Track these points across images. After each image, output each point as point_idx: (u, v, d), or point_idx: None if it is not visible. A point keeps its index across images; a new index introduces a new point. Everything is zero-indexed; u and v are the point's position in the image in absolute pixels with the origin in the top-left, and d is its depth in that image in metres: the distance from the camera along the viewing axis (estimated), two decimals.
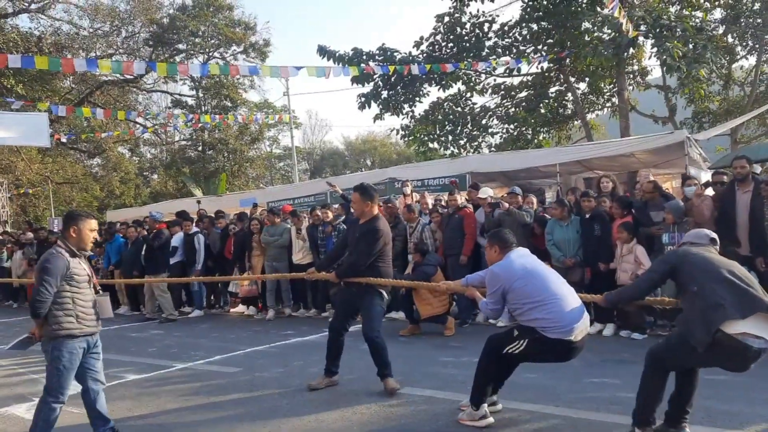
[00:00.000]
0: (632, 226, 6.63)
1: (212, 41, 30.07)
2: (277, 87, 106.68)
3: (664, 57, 12.26)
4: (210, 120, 21.37)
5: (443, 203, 9.00)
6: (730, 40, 16.51)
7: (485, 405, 4.05)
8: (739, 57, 17.65)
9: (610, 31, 14.16)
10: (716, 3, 16.05)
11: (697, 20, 13.90)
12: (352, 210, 5.97)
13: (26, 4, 24.33)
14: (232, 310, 10.61)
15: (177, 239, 10.57)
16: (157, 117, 20.08)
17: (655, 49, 13.01)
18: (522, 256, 4.09)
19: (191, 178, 28.47)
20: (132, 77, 29.29)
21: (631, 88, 19.10)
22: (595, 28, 16.79)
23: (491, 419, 4.05)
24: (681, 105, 18.61)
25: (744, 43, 17.02)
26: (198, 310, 10.58)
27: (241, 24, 30.11)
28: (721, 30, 17.75)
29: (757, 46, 17.57)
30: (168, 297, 10.13)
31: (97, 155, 30.33)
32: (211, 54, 30.34)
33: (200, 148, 31.82)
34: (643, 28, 12.94)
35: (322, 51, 18.42)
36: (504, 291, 3.92)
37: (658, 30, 12.46)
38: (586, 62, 17.71)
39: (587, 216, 7.02)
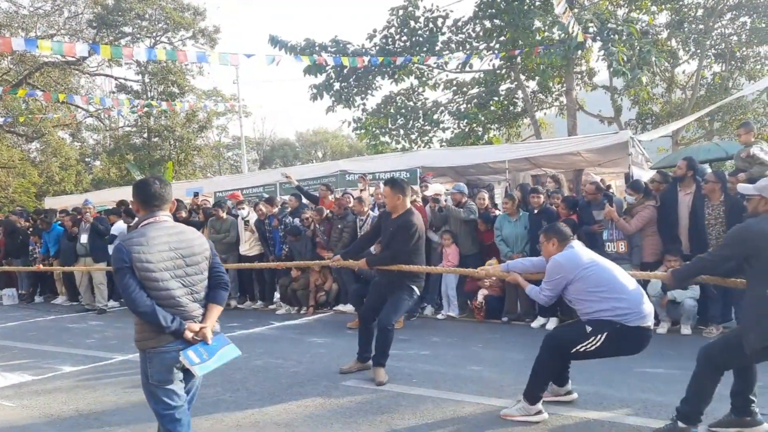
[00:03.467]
0: (574, 224, 6.83)
1: (159, 25, 29.17)
2: (226, 75, 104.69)
3: (611, 60, 12.62)
4: (157, 106, 20.73)
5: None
6: (673, 44, 17.14)
7: (540, 402, 4.02)
8: (681, 61, 18.38)
9: (560, 32, 14.47)
10: (662, 7, 16.64)
11: (643, 24, 14.36)
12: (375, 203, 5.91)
13: None
14: None
15: (117, 229, 10.21)
16: (102, 102, 19.28)
17: (602, 52, 13.39)
18: (584, 248, 4.16)
19: (135, 165, 27.53)
20: (74, 59, 28.11)
21: (578, 87, 19.60)
22: (546, 27, 17.15)
23: (546, 415, 4.02)
24: (626, 106, 19.25)
25: (687, 48, 17.73)
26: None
27: (190, 9, 29.31)
28: (665, 34, 18.41)
29: (698, 51, 18.32)
30: (105, 288, 9.93)
31: (36, 139, 29.02)
32: (158, 39, 29.44)
33: (145, 135, 30.87)
34: (591, 31, 13.28)
35: (274, 41, 18.13)
36: (568, 281, 3.92)
37: (605, 33, 12.81)
38: (536, 61, 18.07)
39: (536, 212, 7.18)
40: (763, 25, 17.73)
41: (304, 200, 9.47)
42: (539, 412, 4.00)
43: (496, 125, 21.23)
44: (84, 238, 10.09)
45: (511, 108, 20.90)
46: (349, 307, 8.39)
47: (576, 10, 13.76)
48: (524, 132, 22.94)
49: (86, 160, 35.72)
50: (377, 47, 18.73)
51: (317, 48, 18.39)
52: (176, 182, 21.90)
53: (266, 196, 11.73)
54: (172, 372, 2.98)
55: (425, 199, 8.39)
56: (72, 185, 31.45)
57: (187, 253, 3.02)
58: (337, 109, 20.20)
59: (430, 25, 18.90)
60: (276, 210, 8.98)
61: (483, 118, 19.46)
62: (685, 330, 6.30)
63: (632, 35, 12.75)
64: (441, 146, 20.91)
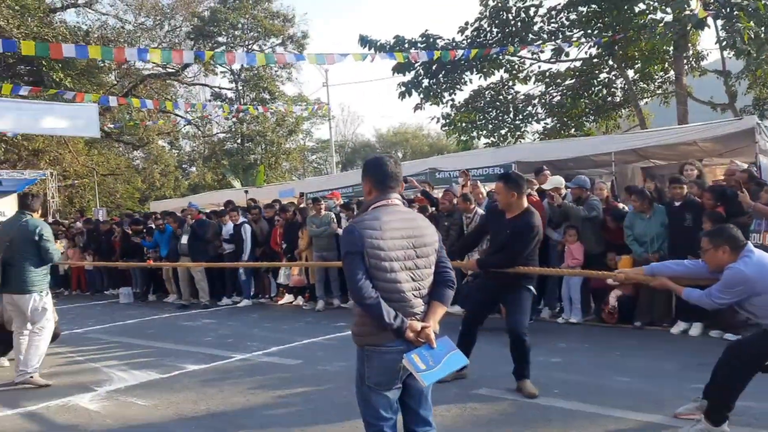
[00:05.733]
0: (721, 217, 6.14)
1: (251, 33, 30.08)
2: (312, 81, 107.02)
3: (734, 39, 11.55)
4: (253, 110, 21.29)
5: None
6: None
7: (726, 424, 3.57)
8: None
9: (670, 10, 13.45)
10: None
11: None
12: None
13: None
14: (280, 300, 10.43)
15: (227, 229, 10.49)
16: (204, 108, 20.09)
17: (723, 32, 12.32)
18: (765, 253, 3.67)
19: (230, 169, 28.57)
20: (173, 71, 29.56)
21: (685, 73, 18.26)
22: (650, 10, 16.09)
23: None
24: (741, 91, 17.73)
25: None
26: (246, 299, 10.45)
27: (279, 16, 30.04)
28: None
29: None
30: (206, 284, 10.40)
31: (140, 147, 30.72)
32: (249, 46, 30.34)
33: (239, 141, 31.95)
34: (712, 8, 12.24)
35: (364, 40, 18.08)
36: (751, 293, 3.48)
37: (728, 9, 11.75)
38: (640, 46, 17.00)
39: (677, 204, 6.52)
40: None
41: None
42: None
43: (592, 117, 20.22)
44: (185, 239, 10.48)
45: (609, 98, 19.83)
46: (456, 308, 8.04)
47: None
48: (623, 123, 21.72)
49: (183, 166, 37.48)
50: (468, 40, 18.29)
51: (407, 45, 18.20)
52: (267, 185, 22.47)
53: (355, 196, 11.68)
54: (392, 375, 2.61)
55: (542, 193, 7.90)
56: (171, 190, 33.10)
57: (419, 243, 2.67)
58: (425, 106, 19.94)
59: (522, 15, 18.26)
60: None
61: (581, 107, 18.53)
62: None
63: (759, 10, 11.60)
64: (535, 140, 20.14)
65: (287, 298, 10.25)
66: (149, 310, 10.46)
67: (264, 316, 9.25)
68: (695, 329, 6.30)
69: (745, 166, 7.99)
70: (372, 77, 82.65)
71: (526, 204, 4.57)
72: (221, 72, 29.86)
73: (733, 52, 13.41)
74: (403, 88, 19.14)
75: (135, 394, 5.26)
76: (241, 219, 10.55)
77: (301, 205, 10.14)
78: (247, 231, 10.34)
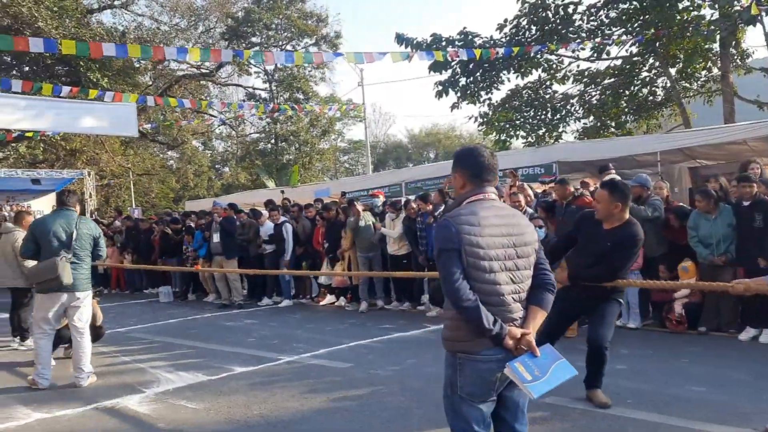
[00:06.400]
0: None
1: (285, 34, 30.17)
2: (345, 81, 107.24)
3: None
4: (289, 108, 21.31)
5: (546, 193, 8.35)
6: None
7: None
8: None
9: (722, 6, 12.97)
10: None
11: None
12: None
13: (110, 0, 25.03)
14: (321, 301, 10.30)
15: (268, 228, 10.44)
16: (239, 108, 20.15)
17: None
18: None
19: (264, 170, 28.67)
20: (207, 71, 29.82)
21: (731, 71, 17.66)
22: (694, 6, 15.58)
23: None
24: None
25: None
26: (287, 299, 10.36)
27: (313, 16, 30.07)
28: None
29: None
30: (239, 283, 10.53)
31: (175, 147, 31.07)
32: (283, 47, 30.44)
33: (273, 141, 32.08)
34: (763, 3, 11.77)
35: (400, 39, 17.92)
36: None
37: None
38: (683, 44, 16.49)
39: (745, 204, 6.18)
40: None
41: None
42: None
43: (632, 116, 19.70)
44: (216, 237, 10.45)
45: (651, 97, 19.30)
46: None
47: None
48: (664, 123, 21.12)
49: (216, 166, 37.83)
50: (507, 38, 17.97)
51: (444, 43, 17.97)
52: (302, 185, 22.45)
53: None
54: (487, 387, 2.40)
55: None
56: (204, 190, 33.43)
57: (520, 242, 2.45)
58: (462, 105, 19.69)
59: (561, 12, 17.87)
60: (430, 207, 8.58)
61: (623, 106, 18.06)
62: None
63: None
64: (575, 140, 19.71)
65: (329, 298, 10.13)
66: (190, 310, 10.43)
67: (306, 317, 9.13)
68: (766, 336, 5.95)
69: None
70: (404, 76, 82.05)
71: (628, 215, 4.24)
72: (255, 72, 29.99)
73: None
74: (440, 87, 18.93)
75: (184, 396, 5.15)
76: (282, 218, 10.48)
77: (344, 205, 9.99)
78: (288, 230, 10.26)
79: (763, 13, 12.31)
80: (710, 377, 4.90)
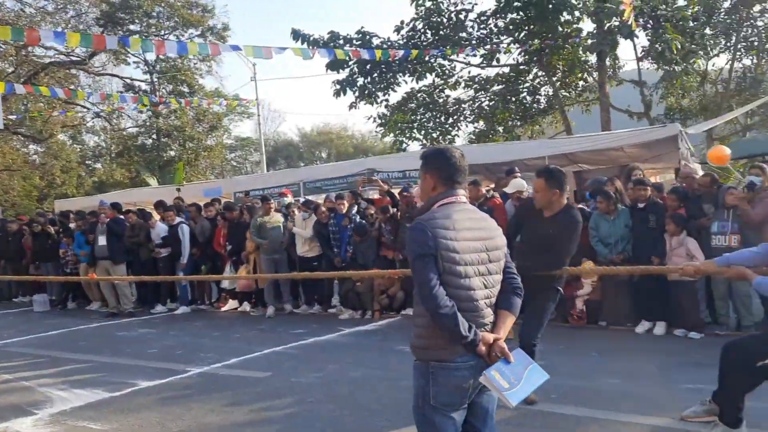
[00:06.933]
0: (683, 218, 6.33)
1: (168, 23, 28.50)
2: (234, 75, 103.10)
3: (661, 49, 12.13)
4: (175, 102, 20.07)
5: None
6: (708, 32, 16.74)
7: (743, 424, 3.54)
8: (713, 55, 18.02)
9: (597, 20, 13.93)
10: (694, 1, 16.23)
11: (690, 11, 13.92)
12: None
13: None
14: (223, 306, 9.80)
15: (161, 230, 9.74)
16: (121, 100, 18.63)
17: (649, 43, 12.92)
18: None
19: (145, 166, 26.91)
20: (79, 59, 27.46)
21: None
22: (575, 20, 16.66)
23: None
24: (654, 101, 18.78)
25: (717, 41, 17.36)
26: (184, 306, 9.75)
27: (198, 6, 28.64)
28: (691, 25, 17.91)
29: (729, 44, 17.94)
30: (128, 289, 9.86)
31: (41, 141, 28.30)
32: (166, 36, 28.73)
33: (154, 136, 30.17)
34: (640, 19, 12.83)
35: (297, 35, 17.60)
36: None
37: (655, 21, 12.35)
38: (563, 55, 17.61)
39: (641, 206, 6.64)
40: None
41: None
42: None
43: (519, 123, 20.78)
44: (102, 240, 9.65)
45: (535, 105, 20.44)
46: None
47: None
48: (547, 130, 22.46)
49: (86, 162, 34.94)
50: (404, 40, 18.21)
51: (342, 41, 17.87)
52: (189, 183, 21.32)
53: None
54: (461, 395, 2.33)
55: (505, 195, 7.86)
56: (74, 188, 30.74)
57: (491, 246, 2.40)
58: (360, 105, 19.71)
59: (454, 18, 18.42)
60: (344, 208, 8.43)
61: (510, 111, 18.98)
62: None
63: (682, 22, 12.28)
64: (468, 143, 20.42)
65: (231, 303, 9.67)
66: (72, 320, 9.51)
67: (209, 325, 8.64)
68: (659, 328, 6.45)
69: (700, 169, 8.31)
70: (296, 74, 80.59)
71: (566, 201, 4.28)
72: (134, 62, 28.04)
73: (657, 62, 14.11)
74: (339, 86, 18.81)
75: (86, 416, 4.65)
76: (178, 219, 9.84)
77: (248, 204, 9.57)
78: (184, 232, 9.66)
79: (640, 28, 13.40)
80: (622, 370, 5.19)
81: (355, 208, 8.65)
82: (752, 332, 5.69)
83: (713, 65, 19.27)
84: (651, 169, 14.10)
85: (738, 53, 18.64)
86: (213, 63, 29.43)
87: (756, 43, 18.27)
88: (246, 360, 6.20)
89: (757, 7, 18.33)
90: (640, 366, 5.29)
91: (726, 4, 18.02)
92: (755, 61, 18.96)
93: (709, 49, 16.28)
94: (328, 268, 8.45)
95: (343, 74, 18.66)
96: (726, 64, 19.30)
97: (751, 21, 18.38)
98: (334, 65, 17.76)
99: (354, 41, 17.70)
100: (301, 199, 10.43)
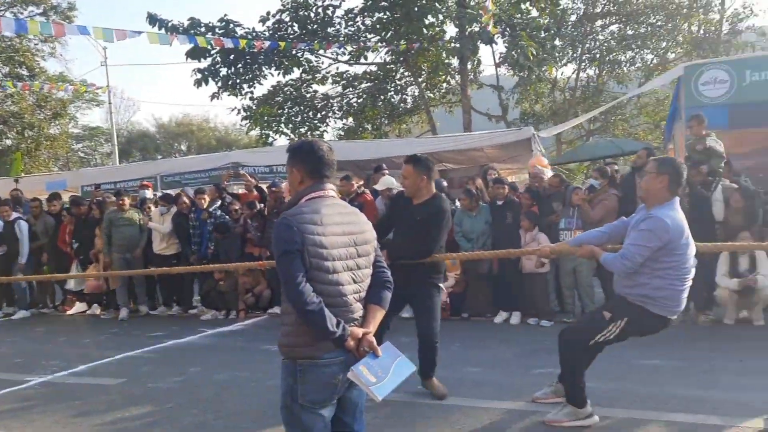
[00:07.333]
0: (535, 216, 6.81)
1: None
2: (82, 59, 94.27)
3: (517, 55, 12.96)
4: (12, 86, 17.99)
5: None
6: (557, 43, 18.25)
7: (588, 404, 3.75)
8: (561, 64, 19.68)
9: (459, 25, 14.55)
10: (545, 13, 17.56)
11: (543, 21, 15.01)
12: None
13: None
14: (69, 310, 8.94)
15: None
16: None
17: (506, 49, 13.74)
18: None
19: None
20: None
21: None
22: (438, 23, 17.30)
23: (596, 418, 3.75)
24: (510, 105, 20.09)
25: (565, 52, 18.99)
26: (23, 310, 8.77)
27: None
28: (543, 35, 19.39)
29: (575, 55, 19.70)
30: None
31: None
32: (2, 13, 25.69)
33: None
34: (498, 27, 13.59)
35: (153, 19, 16.52)
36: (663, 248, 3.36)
37: (512, 29, 13.16)
38: (428, 56, 18.21)
39: (499, 203, 7.01)
40: (631, 32, 19.45)
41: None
42: (590, 415, 3.75)
43: (387, 121, 21.21)
44: None
45: (402, 104, 20.97)
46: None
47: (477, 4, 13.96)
48: (414, 129, 23.14)
49: None
50: (270, 31, 17.78)
51: (203, 29, 17.06)
52: (28, 175, 19.27)
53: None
54: (330, 391, 2.30)
55: (375, 192, 7.93)
56: None
57: (360, 240, 2.38)
58: (222, 96, 18.98)
59: (321, 13, 18.33)
60: (205, 203, 8.02)
61: (379, 109, 19.30)
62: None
63: (536, 31, 13.21)
64: (338, 139, 20.47)
65: (78, 306, 8.84)
66: None
67: (53, 330, 7.85)
68: (515, 318, 6.88)
69: (549, 170, 8.95)
70: (152, 60, 75.80)
71: (434, 189, 4.34)
72: None
73: (513, 69, 15.06)
74: (200, 75, 17.97)
75: None
76: (15, 214, 8.83)
77: (99, 198, 8.81)
78: (23, 229, 8.69)
79: (498, 35, 14.21)
80: (482, 359, 5.47)
81: (219, 203, 8.28)
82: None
83: (562, 74, 21.03)
84: (508, 169, 15.05)
85: (583, 64, 20.54)
86: (57, 44, 26.81)
87: (598, 56, 20.30)
88: (96, 366, 5.70)
89: (599, 22, 20.33)
90: (499, 354, 5.60)
91: (573, 18, 19.79)
92: (597, 72, 20.99)
93: (558, 58, 17.70)
94: (187, 266, 8.01)
95: (204, 63, 17.92)
96: (573, 73, 21.15)
97: (594, 35, 20.38)
98: (195, 53, 16.94)
99: (216, 29, 16.98)
100: (159, 194, 9.83)
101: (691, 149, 6.78)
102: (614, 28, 20.34)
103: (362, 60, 19.18)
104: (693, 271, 3.53)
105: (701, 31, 19.91)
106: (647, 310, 3.49)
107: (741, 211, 6.16)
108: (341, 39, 18.36)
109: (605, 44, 20.01)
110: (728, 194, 6.26)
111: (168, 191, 10.14)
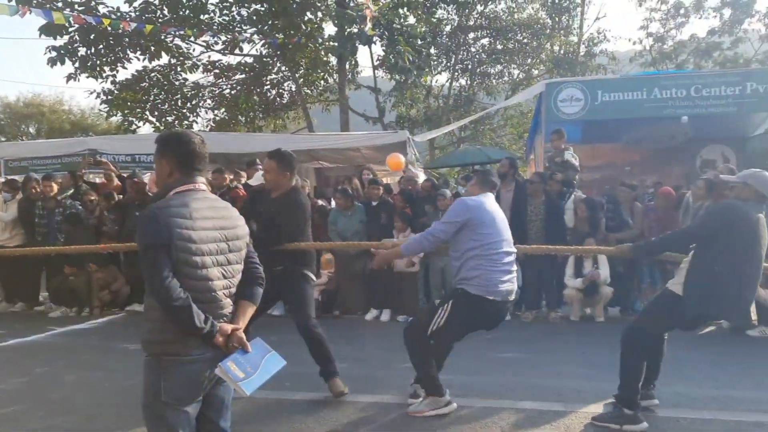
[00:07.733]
0: (408, 217, 7.02)
1: None
2: None
3: (394, 59, 13.24)
4: None
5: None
6: (433, 51, 18.96)
7: (447, 392, 3.98)
8: (436, 72, 20.48)
9: (337, 24, 14.61)
10: (422, 23, 18.14)
11: (420, 29, 15.46)
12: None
13: None
14: None
15: None
16: None
17: (383, 52, 13.99)
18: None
19: None
20: None
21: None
22: (317, 20, 17.27)
23: (455, 405, 3.96)
24: (387, 108, 20.50)
25: (440, 61, 19.81)
26: None
27: None
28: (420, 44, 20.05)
29: (448, 64, 20.59)
30: None
31: None
32: None
33: None
34: (377, 30, 13.81)
35: None
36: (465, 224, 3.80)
37: (393, 34, 13.43)
38: (306, 52, 18.10)
39: (374, 204, 7.13)
40: (500, 47, 20.69)
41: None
42: (448, 403, 3.97)
43: (262, 115, 20.77)
44: None
45: (278, 99, 20.63)
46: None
47: (357, 5, 14.11)
48: (290, 125, 22.84)
49: None
50: (137, 12, 16.68)
51: (60, 4, 15.63)
52: None
53: None
54: (196, 388, 2.25)
55: (248, 187, 7.71)
56: None
57: (232, 236, 2.34)
58: (80, 77, 17.52)
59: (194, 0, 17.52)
60: (53, 191, 7.36)
61: (252, 103, 18.86)
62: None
63: (414, 38, 13.59)
64: (210, 129, 19.68)
65: None
66: None
67: None
68: (385, 315, 7.05)
69: (422, 174, 9.24)
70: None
71: (294, 183, 4.39)
72: None
73: (390, 72, 15.38)
74: (55, 54, 16.41)
75: None
76: None
77: None
78: None
79: (377, 38, 14.45)
80: (350, 355, 5.52)
81: (71, 191, 7.66)
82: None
83: (436, 81, 21.87)
84: (383, 171, 15.39)
85: (456, 73, 21.53)
86: None
87: (470, 67, 21.38)
88: None
89: (471, 35, 21.40)
90: (368, 351, 5.72)
91: (448, 29, 20.65)
92: (468, 82, 22.10)
93: (433, 66, 18.37)
94: (32, 259, 7.30)
95: (61, 41, 16.40)
96: (446, 81, 22.08)
97: (467, 47, 21.43)
98: (50, 30, 15.40)
99: (76, 6, 15.62)
100: (2, 179, 8.89)
101: (550, 161, 7.36)
102: (485, 41, 21.55)
103: (237, 51, 18.64)
104: (509, 258, 3.92)
105: (562, 51, 21.70)
106: (467, 291, 3.81)
107: (587, 220, 6.81)
108: (215, 27, 17.72)
109: (477, 56, 21.12)
110: (576, 204, 6.92)
111: (13, 177, 9.19)
